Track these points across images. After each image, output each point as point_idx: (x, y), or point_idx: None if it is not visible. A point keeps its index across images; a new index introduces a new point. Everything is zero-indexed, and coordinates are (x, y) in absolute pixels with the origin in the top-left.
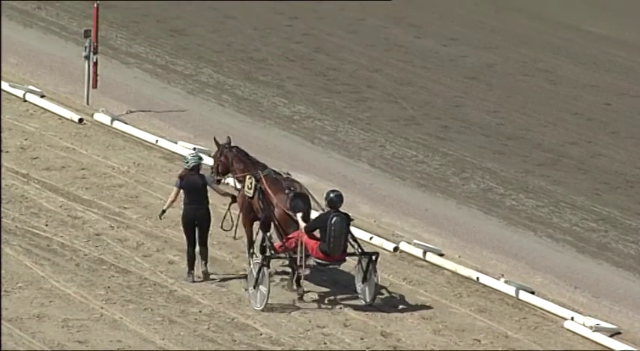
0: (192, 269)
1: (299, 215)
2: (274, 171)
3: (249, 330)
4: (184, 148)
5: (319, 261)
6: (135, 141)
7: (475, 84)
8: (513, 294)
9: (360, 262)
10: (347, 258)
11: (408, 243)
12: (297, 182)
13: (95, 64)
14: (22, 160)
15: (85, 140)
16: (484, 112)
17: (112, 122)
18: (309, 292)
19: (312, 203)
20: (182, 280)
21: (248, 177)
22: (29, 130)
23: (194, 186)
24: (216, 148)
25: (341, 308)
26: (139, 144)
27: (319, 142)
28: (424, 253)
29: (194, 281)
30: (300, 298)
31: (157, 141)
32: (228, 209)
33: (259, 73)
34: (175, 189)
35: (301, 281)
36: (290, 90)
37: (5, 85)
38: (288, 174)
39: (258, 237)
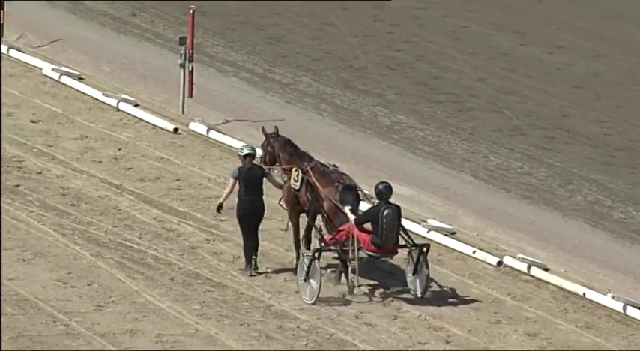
0: (250, 262)
1: (347, 208)
2: (321, 163)
3: (349, 346)
4: None
5: (371, 253)
6: (231, 151)
7: (582, 93)
8: (621, 310)
9: (410, 253)
10: (399, 250)
11: (512, 257)
12: (346, 175)
13: (191, 72)
14: (116, 170)
15: (180, 150)
16: (591, 122)
17: (207, 132)
18: (360, 285)
19: (361, 195)
20: (238, 271)
21: (294, 169)
22: (123, 140)
23: (252, 177)
24: (264, 138)
25: (442, 327)
26: (236, 154)
27: (420, 152)
28: (529, 267)
29: (252, 275)
30: (351, 292)
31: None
32: (280, 204)
33: (359, 82)
34: (232, 180)
35: (355, 274)
36: (391, 99)
37: (99, 94)
38: (335, 166)
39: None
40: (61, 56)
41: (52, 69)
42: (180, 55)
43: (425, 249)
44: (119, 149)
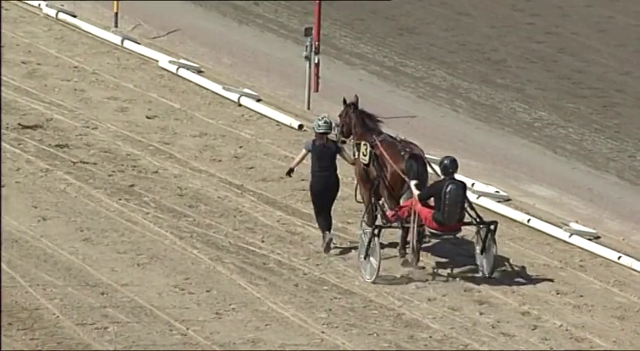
0: (327, 230)
1: (413, 183)
2: (391, 136)
3: None
4: None
5: (433, 231)
6: None
7: None
8: None
9: (478, 232)
10: (463, 228)
11: None
12: (414, 144)
13: (317, 65)
14: (236, 169)
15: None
16: None
17: (334, 129)
18: (420, 262)
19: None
20: (322, 247)
21: (363, 143)
22: (244, 137)
23: (326, 152)
24: (343, 108)
25: (584, 338)
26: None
27: (562, 151)
28: None
29: (329, 247)
30: (412, 268)
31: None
32: (357, 188)
33: (497, 76)
34: (304, 151)
35: (417, 253)
36: (531, 94)
37: (218, 88)
38: (405, 138)
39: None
40: (178, 48)
41: (170, 61)
42: (306, 46)
43: (492, 227)
44: (240, 147)
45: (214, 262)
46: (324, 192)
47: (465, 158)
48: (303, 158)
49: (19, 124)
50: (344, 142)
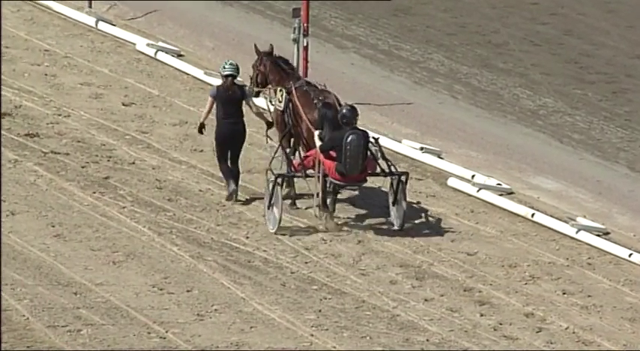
0: (230, 180)
1: (316, 133)
2: (308, 82)
3: None
4: (409, 148)
5: (336, 182)
6: None
7: None
8: None
9: (391, 183)
10: (368, 178)
11: None
12: (330, 93)
13: (305, 48)
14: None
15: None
16: None
17: None
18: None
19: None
20: (224, 199)
21: (279, 89)
22: None
23: (231, 98)
24: (257, 56)
25: (592, 341)
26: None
27: (569, 141)
28: None
29: (236, 199)
30: (327, 222)
31: (377, 139)
32: (267, 136)
33: (499, 60)
34: (210, 99)
35: (325, 204)
36: (535, 79)
37: (200, 73)
38: (324, 86)
39: (276, 154)
40: (157, 30)
41: (147, 44)
42: (294, 28)
43: (403, 178)
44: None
45: (195, 260)
46: (229, 140)
47: (464, 148)
48: (210, 108)
49: None
50: (258, 94)
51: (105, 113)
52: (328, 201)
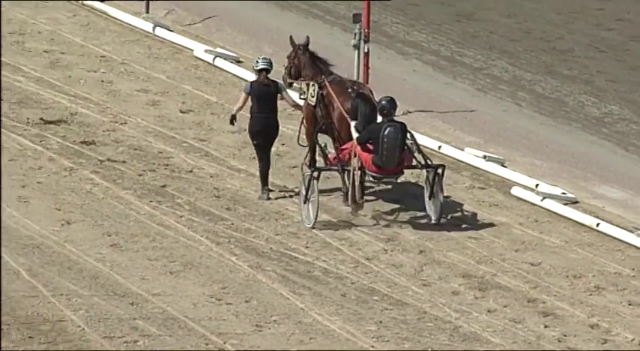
0: (267, 185)
1: (353, 124)
2: (340, 77)
3: None
4: (472, 156)
5: (373, 174)
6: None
7: None
8: None
9: (427, 176)
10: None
11: None
12: (364, 85)
13: (366, 54)
14: (278, 168)
15: None
16: None
17: None
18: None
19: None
20: (257, 199)
21: (311, 83)
22: (287, 132)
23: (265, 93)
24: (292, 49)
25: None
26: None
27: (635, 149)
28: None
29: (269, 198)
30: (355, 214)
31: (439, 147)
32: (302, 124)
33: (563, 67)
34: (244, 94)
35: (359, 197)
36: (600, 86)
37: None
38: (357, 81)
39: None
40: (215, 35)
41: (205, 50)
42: (355, 34)
43: (440, 170)
44: (283, 144)
45: (254, 270)
46: (262, 134)
47: (528, 156)
48: (244, 103)
49: (41, 119)
50: (290, 85)
51: (162, 120)
52: (360, 193)
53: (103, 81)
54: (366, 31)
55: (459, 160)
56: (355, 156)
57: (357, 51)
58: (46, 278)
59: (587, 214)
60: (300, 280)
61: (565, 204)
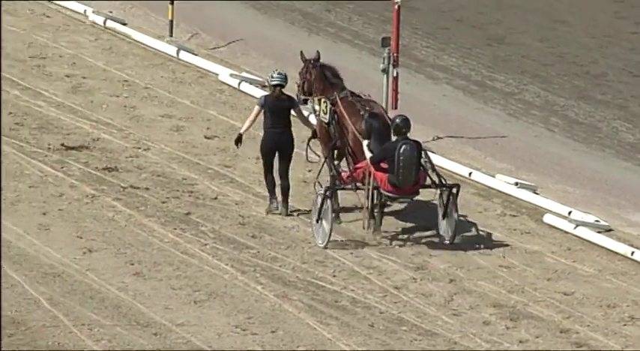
0: (274, 195)
1: (365, 143)
2: (352, 92)
3: None
4: (504, 183)
5: (389, 194)
6: (443, 173)
7: None
8: None
9: (441, 195)
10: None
11: None
12: (376, 103)
13: (395, 79)
14: (305, 195)
15: None
16: None
17: None
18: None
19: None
20: (265, 210)
21: (323, 100)
22: (314, 158)
23: (279, 107)
24: (303, 64)
25: None
26: (448, 177)
27: None
28: None
29: (277, 208)
30: (375, 236)
31: (470, 174)
32: (308, 143)
33: (597, 91)
34: (257, 108)
35: (374, 217)
36: (634, 112)
37: None
38: (369, 96)
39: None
40: (240, 60)
41: (231, 75)
42: (383, 58)
43: (455, 190)
44: (309, 170)
45: (280, 299)
46: (275, 150)
47: (560, 183)
48: (256, 116)
49: (63, 144)
50: (305, 102)
51: (186, 146)
52: (376, 214)
53: (125, 106)
54: (395, 55)
55: (490, 187)
56: (370, 175)
57: (385, 75)
58: (67, 308)
59: (621, 243)
60: (328, 310)
61: (598, 232)
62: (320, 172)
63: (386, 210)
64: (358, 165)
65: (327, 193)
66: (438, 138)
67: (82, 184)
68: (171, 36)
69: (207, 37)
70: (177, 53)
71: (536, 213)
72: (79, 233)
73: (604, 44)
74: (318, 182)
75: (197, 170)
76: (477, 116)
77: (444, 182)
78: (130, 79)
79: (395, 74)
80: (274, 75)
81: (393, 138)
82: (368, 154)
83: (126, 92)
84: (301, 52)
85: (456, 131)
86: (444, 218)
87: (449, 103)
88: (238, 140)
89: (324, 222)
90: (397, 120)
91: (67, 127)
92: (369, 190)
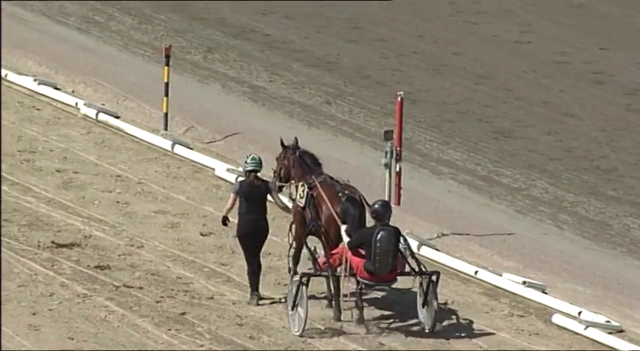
0: (257, 290)
1: (343, 228)
2: (331, 177)
3: None
4: (511, 282)
5: (365, 281)
6: (448, 272)
7: None
8: None
9: (421, 284)
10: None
11: None
12: (354, 188)
13: (398, 173)
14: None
15: None
16: None
17: (419, 248)
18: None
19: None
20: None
21: (300, 184)
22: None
23: (254, 194)
24: (281, 150)
25: None
26: (454, 276)
27: None
28: None
29: (258, 304)
30: (359, 324)
31: (476, 272)
32: (290, 230)
33: (608, 187)
34: (232, 195)
35: (358, 305)
36: None
37: (285, 200)
38: (348, 181)
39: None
40: (238, 154)
41: (228, 170)
42: (386, 152)
43: (434, 278)
44: (309, 269)
45: None
46: (251, 236)
47: (570, 282)
48: (233, 203)
49: (53, 242)
50: (281, 188)
51: (181, 244)
52: (356, 299)
53: (118, 202)
54: (398, 149)
55: (496, 286)
56: (347, 261)
57: (388, 170)
58: None
59: (633, 344)
60: None
61: (610, 333)
62: (293, 258)
63: (366, 297)
64: (334, 251)
65: (303, 280)
66: (443, 235)
67: (73, 283)
68: (165, 129)
69: (204, 131)
70: (172, 147)
71: (544, 313)
72: (70, 334)
73: (615, 138)
74: (293, 269)
75: (193, 268)
76: (483, 212)
77: (423, 270)
78: (123, 174)
79: (398, 169)
80: (248, 160)
81: (372, 223)
82: (346, 239)
83: (119, 188)
84: (280, 138)
85: (462, 228)
86: (423, 306)
87: (454, 199)
88: (225, 220)
89: (299, 309)
90: (376, 205)
91: (58, 223)
92: (345, 276)
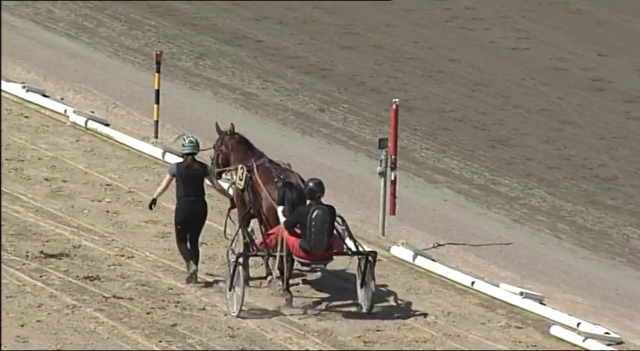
0: (192, 260)
1: (280, 209)
2: (270, 160)
3: None
4: (508, 293)
5: (301, 260)
6: (444, 283)
7: None
8: None
9: (359, 264)
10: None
11: None
12: (292, 172)
13: (393, 182)
14: (299, 307)
15: (379, 281)
16: None
17: (414, 258)
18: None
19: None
20: (186, 280)
21: (240, 167)
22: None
23: (192, 176)
24: (218, 136)
25: None
26: (450, 287)
27: None
28: None
29: (195, 278)
30: (289, 304)
31: (472, 283)
32: (228, 215)
33: (607, 196)
34: (168, 176)
35: (286, 283)
36: None
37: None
38: (289, 165)
39: (238, 232)
40: None
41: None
42: (381, 161)
43: (371, 258)
44: (304, 280)
45: None
46: (189, 219)
47: (568, 293)
48: (167, 185)
49: (41, 252)
50: (220, 174)
51: (172, 254)
52: (288, 279)
53: (108, 211)
54: (393, 157)
55: (493, 297)
56: (283, 241)
57: (382, 179)
58: None
59: None
60: None
61: (609, 345)
62: (234, 240)
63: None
64: (271, 231)
65: (240, 260)
66: (439, 245)
67: (62, 293)
68: (156, 137)
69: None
70: (163, 155)
71: (542, 324)
72: (59, 346)
73: (614, 146)
74: (231, 250)
75: (184, 279)
76: (480, 222)
77: (360, 249)
78: (112, 182)
79: (393, 177)
80: (185, 143)
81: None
82: (282, 219)
83: (108, 197)
84: (217, 123)
85: (458, 238)
86: (362, 287)
87: (450, 208)
88: (152, 204)
89: (236, 289)
90: (310, 184)
91: (47, 233)
92: (281, 256)
